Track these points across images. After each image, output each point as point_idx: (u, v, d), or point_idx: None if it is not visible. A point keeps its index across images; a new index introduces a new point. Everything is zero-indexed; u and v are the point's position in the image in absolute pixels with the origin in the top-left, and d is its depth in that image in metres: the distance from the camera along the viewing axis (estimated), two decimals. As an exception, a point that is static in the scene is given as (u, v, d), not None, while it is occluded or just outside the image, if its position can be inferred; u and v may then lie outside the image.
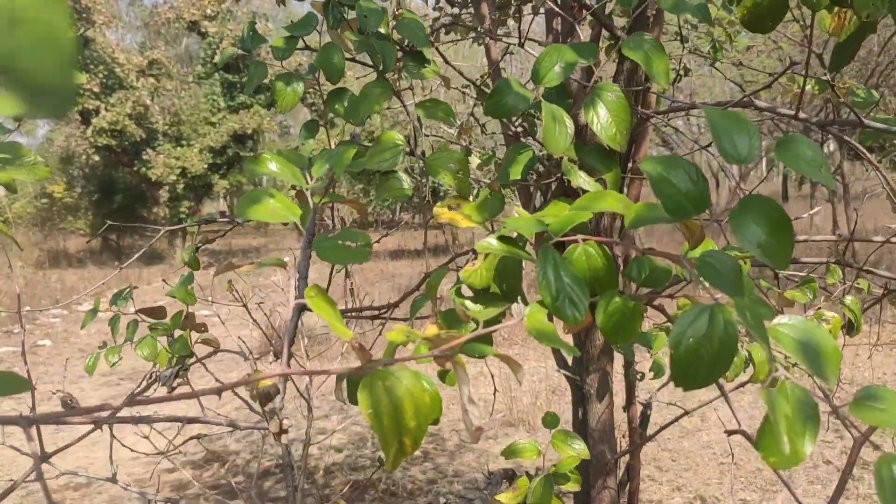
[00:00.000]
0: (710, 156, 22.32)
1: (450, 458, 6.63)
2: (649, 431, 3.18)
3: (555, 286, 0.72)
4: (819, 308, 2.02)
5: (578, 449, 1.35)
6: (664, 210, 0.65)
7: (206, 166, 23.30)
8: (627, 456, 2.86)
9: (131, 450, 2.13)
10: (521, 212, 0.88)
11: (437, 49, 2.64)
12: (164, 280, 1.92)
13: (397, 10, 1.50)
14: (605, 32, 2.28)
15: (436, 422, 0.76)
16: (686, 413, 2.28)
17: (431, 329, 0.89)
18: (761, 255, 0.62)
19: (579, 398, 2.69)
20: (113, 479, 1.92)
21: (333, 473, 6.26)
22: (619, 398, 2.98)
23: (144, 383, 1.46)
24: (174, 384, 1.44)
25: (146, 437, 2.18)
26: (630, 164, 2.43)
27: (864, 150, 1.80)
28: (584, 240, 0.78)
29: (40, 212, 26.95)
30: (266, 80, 1.45)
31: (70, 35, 0.32)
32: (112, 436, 1.62)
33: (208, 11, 22.88)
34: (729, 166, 21.70)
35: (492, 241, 0.79)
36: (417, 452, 6.63)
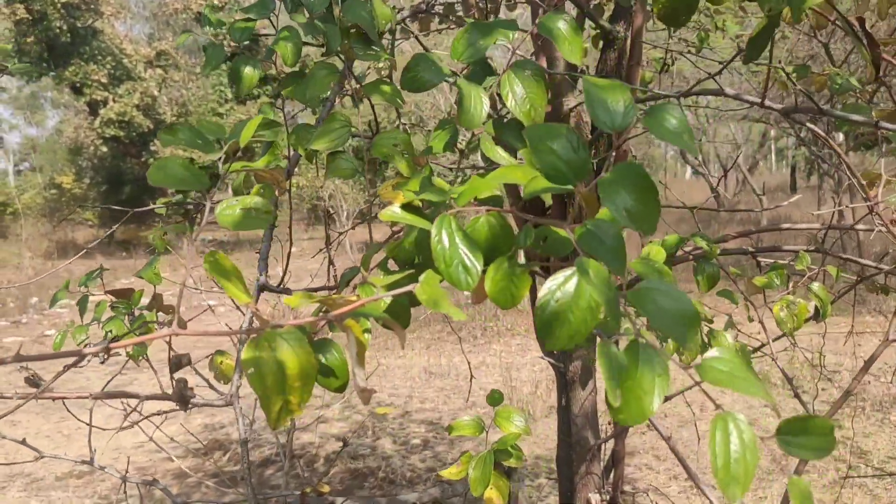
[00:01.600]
0: (716, 146, 22.22)
1: (449, 447, 6.66)
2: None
3: (449, 253, 0.74)
4: (787, 293, 2.04)
5: (520, 426, 1.38)
6: (545, 178, 0.68)
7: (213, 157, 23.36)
8: (612, 442, 2.88)
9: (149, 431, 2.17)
10: (437, 180, 0.90)
11: (416, 37, 2.66)
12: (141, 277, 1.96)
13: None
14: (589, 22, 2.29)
15: (341, 388, 0.79)
16: (667, 398, 2.30)
17: (350, 298, 0.91)
18: (628, 220, 0.64)
19: (563, 385, 2.71)
20: (90, 462, 1.95)
21: (334, 461, 6.31)
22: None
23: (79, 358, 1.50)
24: (105, 357, 1.48)
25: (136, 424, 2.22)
26: (613, 153, 2.45)
27: (825, 136, 1.81)
28: (487, 210, 0.81)
29: (49, 202, 27.13)
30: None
31: None
32: (88, 423, 1.65)
33: (216, 2, 22.89)
34: (735, 157, 21.61)
35: (395, 210, 0.81)
36: (417, 441, 6.68)
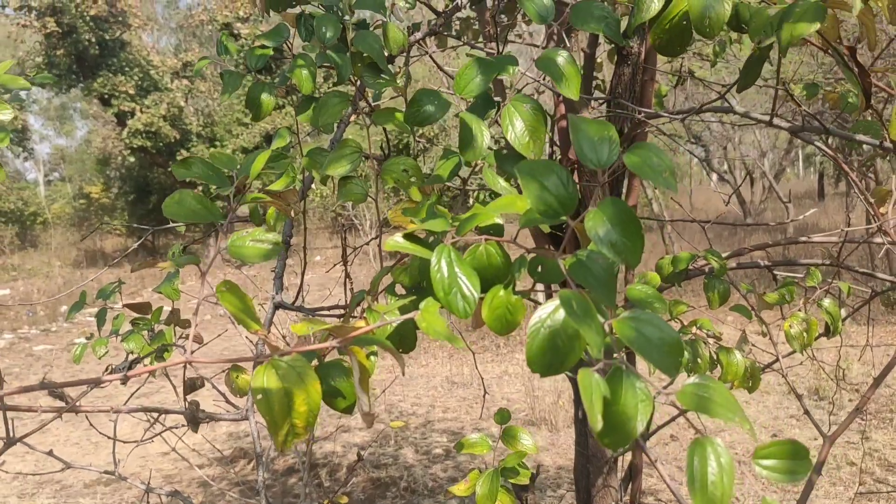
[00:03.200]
0: (740, 153, 22.03)
1: (471, 457, 6.68)
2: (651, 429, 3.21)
3: (448, 281, 0.78)
4: (798, 310, 2.05)
5: (527, 444, 1.41)
6: (536, 213, 0.71)
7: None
8: (630, 455, 2.90)
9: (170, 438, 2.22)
10: (440, 209, 0.94)
11: (430, 56, 2.71)
12: (158, 293, 2.02)
13: (375, 20, 1.57)
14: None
15: (348, 409, 0.83)
16: (682, 412, 2.32)
17: (358, 323, 0.96)
18: (614, 253, 0.67)
19: (579, 397, 2.73)
20: (112, 473, 2.01)
21: (356, 471, 6.35)
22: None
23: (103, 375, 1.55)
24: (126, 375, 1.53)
25: (160, 435, 2.28)
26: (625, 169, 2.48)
27: (832, 154, 1.83)
28: (486, 240, 0.85)
29: (78, 212, 27.54)
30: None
31: None
32: (109, 435, 1.71)
33: (241, 13, 23.18)
34: (761, 164, 21.44)
35: (399, 239, 0.86)
36: (439, 450, 6.71)
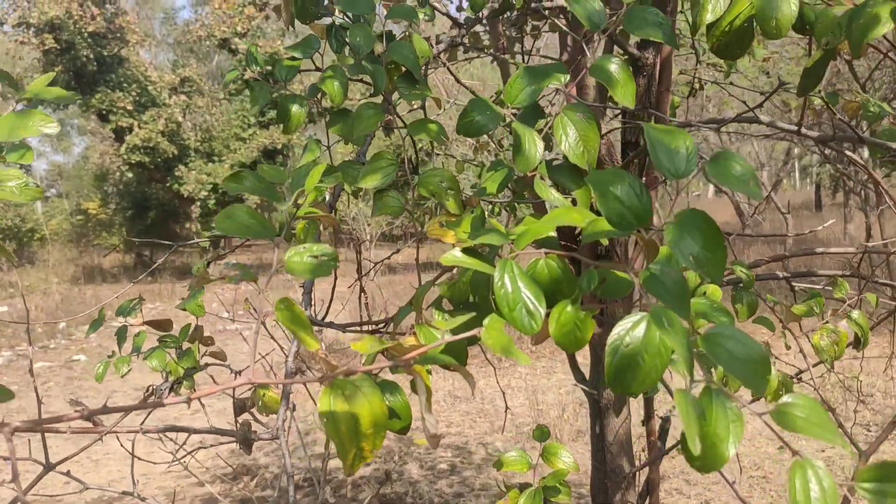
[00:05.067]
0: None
1: (476, 472, 6.63)
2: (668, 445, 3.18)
3: (512, 296, 0.76)
4: (826, 322, 2.03)
5: (568, 462, 1.38)
6: (608, 222, 0.69)
7: (237, 182, 23.61)
8: (647, 470, 2.86)
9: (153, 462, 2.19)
10: (493, 221, 0.92)
11: (448, 68, 2.69)
12: (181, 298, 1.99)
13: (407, 30, 1.55)
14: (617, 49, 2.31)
15: (404, 430, 0.80)
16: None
17: (409, 340, 0.93)
18: (696, 266, 0.65)
19: (596, 412, 2.70)
20: (130, 493, 1.97)
21: (361, 487, 6.29)
22: (638, 412, 2.99)
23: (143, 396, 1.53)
24: (168, 397, 1.50)
25: (171, 454, 2.24)
26: (644, 178, 2.46)
27: (864, 164, 1.81)
28: (546, 253, 0.82)
29: (75, 228, 27.49)
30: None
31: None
32: (131, 452, 1.67)
33: (239, 29, 23.23)
34: (759, 175, 21.47)
35: (457, 254, 0.83)
36: (444, 466, 6.66)
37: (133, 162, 22.45)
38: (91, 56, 21.49)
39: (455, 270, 1.03)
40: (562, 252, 0.82)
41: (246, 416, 1.45)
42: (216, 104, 25.08)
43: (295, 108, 1.37)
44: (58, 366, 12.39)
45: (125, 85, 22.49)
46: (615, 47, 2.44)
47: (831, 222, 2.72)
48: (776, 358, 2.47)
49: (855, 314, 2.03)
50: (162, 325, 1.88)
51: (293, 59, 1.41)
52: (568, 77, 1.01)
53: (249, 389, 1.52)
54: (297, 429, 1.87)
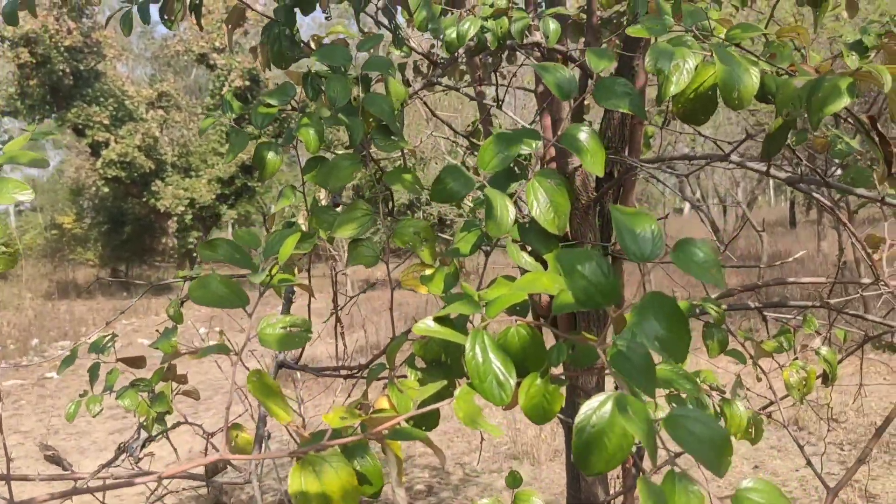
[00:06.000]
0: (715, 183, 22.34)
1: (454, 493, 6.62)
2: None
3: (483, 367, 0.77)
4: (795, 358, 2.06)
5: (540, 506, 1.39)
6: (576, 299, 0.71)
7: (214, 197, 23.51)
8: (622, 498, 2.88)
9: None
10: (465, 287, 0.93)
11: (424, 103, 2.71)
12: (157, 330, 1.98)
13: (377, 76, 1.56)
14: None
15: (375, 495, 0.81)
16: (677, 455, 2.32)
17: (381, 401, 0.94)
18: (660, 348, 0.67)
19: (571, 440, 2.71)
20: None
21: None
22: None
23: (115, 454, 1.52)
24: (140, 454, 1.50)
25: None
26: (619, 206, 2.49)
27: (832, 206, 1.86)
28: (517, 321, 0.84)
29: (50, 243, 27.19)
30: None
31: None
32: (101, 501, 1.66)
33: (217, 44, 23.18)
34: (735, 193, 21.73)
35: (429, 324, 0.84)
36: (421, 486, 6.64)
37: (109, 177, 22.28)
38: (67, 70, 21.33)
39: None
40: (532, 321, 0.83)
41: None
42: (194, 119, 24.97)
43: (270, 156, 1.38)
44: (30, 384, 12.22)
45: (102, 99, 22.34)
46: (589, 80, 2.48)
47: (802, 253, 2.76)
48: (748, 390, 2.51)
49: (823, 350, 2.07)
50: (135, 362, 1.87)
51: (269, 105, 1.42)
52: (540, 143, 1.03)
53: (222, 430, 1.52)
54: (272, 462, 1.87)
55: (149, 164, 22.60)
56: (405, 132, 1.51)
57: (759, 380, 2.23)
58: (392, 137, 1.32)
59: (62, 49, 21.07)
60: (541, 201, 1.00)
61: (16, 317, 18.21)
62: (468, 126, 3.40)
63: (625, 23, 2.00)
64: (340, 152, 1.75)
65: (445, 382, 0.84)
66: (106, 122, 22.19)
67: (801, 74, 1.02)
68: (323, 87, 1.39)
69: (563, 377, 0.79)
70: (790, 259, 2.50)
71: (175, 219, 23.28)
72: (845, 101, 0.90)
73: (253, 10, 1.69)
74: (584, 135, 0.99)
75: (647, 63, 0.97)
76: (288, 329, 0.83)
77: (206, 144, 24.14)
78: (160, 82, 25.30)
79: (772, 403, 2.33)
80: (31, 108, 21.79)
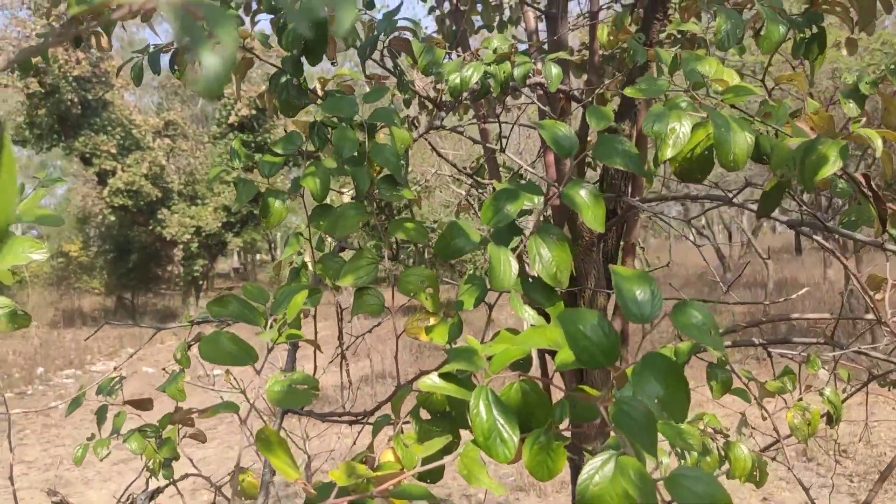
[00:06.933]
0: (720, 211, 22.33)
1: (465, 526, 6.59)
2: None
3: (487, 425, 0.79)
4: (800, 399, 2.06)
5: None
6: (578, 359, 0.72)
7: (220, 224, 23.62)
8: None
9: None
10: (470, 340, 0.95)
11: (429, 143, 2.74)
12: (163, 369, 2.00)
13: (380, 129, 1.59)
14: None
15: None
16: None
17: (387, 454, 0.95)
18: (660, 408, 0.68)
19: (577, 472, 2.71)
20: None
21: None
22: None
23: None
24: None
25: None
26: (622, 244, 2.52)
27: (832, 249, 1.87)
28: (520, 377, 0.85)
29: (56, 271, 27.27)
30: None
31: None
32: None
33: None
34: (740, 220, 21.72)
35: (435, 380, 0.86)
36: (426, 516, 6.61)
37: (116, 205, 22.41)
38: (76, 100, 21.55)
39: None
40: (535, 377, 0.85)
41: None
42: (200, 147, 25.16)
43: (277, 204, 1.41)
44: (34, 413, 12.22)
45: (109, 128, 22.53)
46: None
47: (805, 290, 2.77)
48: (753, 428, 2.51)
49: (827, 391, 2.07)
50: (142, 404, 1.88)
51: (275, 154, 1.45)
52: (541, 198, 1.05)
53: (229, 475, 1.53)
54: (275, 491, 1.88)
55: (155, 193, 22.73)
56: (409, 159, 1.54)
57: (763, 418, 2.23)
58: (398, 187, 1.35)
59: (71, 79, 21.30)
60: (543, 257, 1.02)
61: (21, 345, 18.23)
62: (472, 162, 3.43)
63: (626, 59, 2.03)
64: (346, 191, 1.78)
65: (451, 438, 0.85)
66: (113, 150, 22.36)
67: (795, 133, 1.05)
68: (329, 137, 1.42)
69: (567, 432, 0.81)
70: (794, 296, 2.51)
71: (181, 247, 23.37)
72: (838, 165, 0.92)
73: (263, 60, 1.73)
74: (584, 192, 1.02)
75: (643, 126, 0.99)
76: (295, 386, 0.85)
77: (213, 172, 24.31)
78: (167, 111, 25.52)
79: (777, 442, 2.32)
80: (39, 137, 21.99)
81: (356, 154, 1.31)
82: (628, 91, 1.11)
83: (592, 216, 1.00)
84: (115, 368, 2.04)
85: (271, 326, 0.93)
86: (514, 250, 1.04)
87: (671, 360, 0.69)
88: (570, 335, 0.74)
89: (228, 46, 0.33)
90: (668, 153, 1.01)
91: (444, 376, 0.87)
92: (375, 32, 1.70)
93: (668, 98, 1.07)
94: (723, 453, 1.75)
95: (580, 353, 0.73)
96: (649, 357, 0.70)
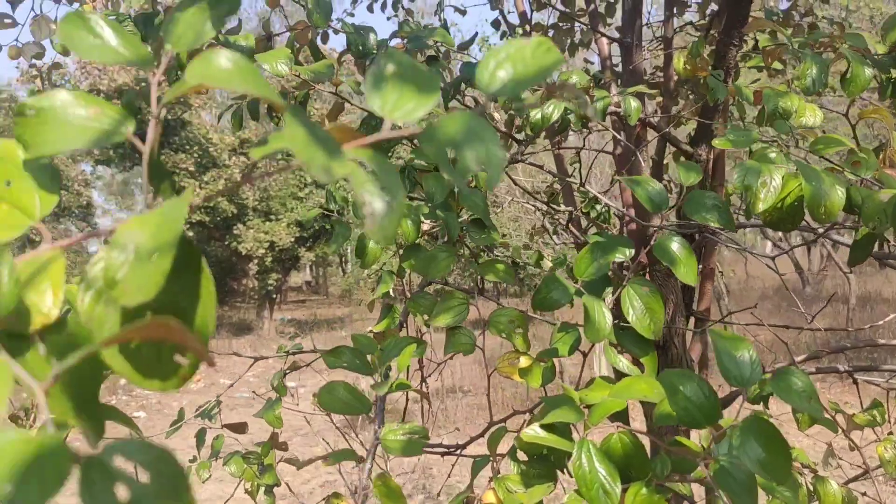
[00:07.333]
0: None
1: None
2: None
3: (589, 476, 0.83)
4: (890, 433, 2.03)
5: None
6: (679, 419, 0.76)
7: (293, 240, 24.11)
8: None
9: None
10: (567, 389, 0.99)
11: (507, 174, 2.79)
12: (254, 391, 2.09)
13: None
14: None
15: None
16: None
17: (489, 495, 1.00)
18: (761, 471, 0.71)
19: None
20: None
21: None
22: None
23: None
24: None
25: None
26: (701, 268, 2.52)
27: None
28: (619, 428, 0.89)
29: (138, 286, 28.12)
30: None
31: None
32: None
33: (296, 93, 23.89)
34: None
35: (537, 431, 0.90)
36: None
37: (193, 221, 23.10)
38: (156, 120, 22.30)
39: (528, 415, 1.10)
40: (634, 429, 0.88)
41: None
42: (274, 164, 25.73)
43: (372, 245, 1.47)
44: (112, 425, 12.62)
45: (187, 147, 23.28)
46: (667, 144, 2.53)
47: (893, 317, 2.71)
48: (840, 459, 2.46)
49: (919, 426, 2.03)
50: (238, 428, 1.98)
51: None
52: (632, 251, 1.09)
53: None
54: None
55: (231, 209, 23.37)
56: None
57: (852, 449, 2.19)
58: (486, 230, 1.40)
59: (151, 100, 22.07)
60: (636, 308, 1.06)
61: (105, 357, 18.87)
62: (547, 186, 3.47)
63: (707, 96, 2.04)
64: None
65: (552, 487, 0.89)
66: (191, 168, 23.08)
67: (885, 182, 1.06)
68: (419, 180, 1.48)
69: (665, 485, 0.84)
70: (881, 322, 2.46)
71: (256, 261, 23.93)
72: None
73: (354, 105, 1.80)
74: (676, 245, 1.05)
75: (735, 181, 1.02)
76: (409, 436, 0.91)
77: (286, 189, 24.84)
78: (242, 130, 26.18)
79: (865, 472, 2.28)
80: (122, 156, 22.87)
81: (446, 199, 1.37)
82: (717, 143, 1.14)
83: (685, 271, 1.04)
84: (199, 383, 2.14)
85: (382, 376, 0.99)
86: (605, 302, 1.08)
87: (770, 423, 0.72)
88: (672, 395, 0.77)
89: (397, 194, 0.38)
90: (760, 207, 1.03)
91: (545, 427, 0.92)
92: (457, 77, 1.76)
93: (753, 149, 1.09)
94: (812, 488, 1.73)
95: (681, 412, 0.77)
96: (751, 420, 0.73)
